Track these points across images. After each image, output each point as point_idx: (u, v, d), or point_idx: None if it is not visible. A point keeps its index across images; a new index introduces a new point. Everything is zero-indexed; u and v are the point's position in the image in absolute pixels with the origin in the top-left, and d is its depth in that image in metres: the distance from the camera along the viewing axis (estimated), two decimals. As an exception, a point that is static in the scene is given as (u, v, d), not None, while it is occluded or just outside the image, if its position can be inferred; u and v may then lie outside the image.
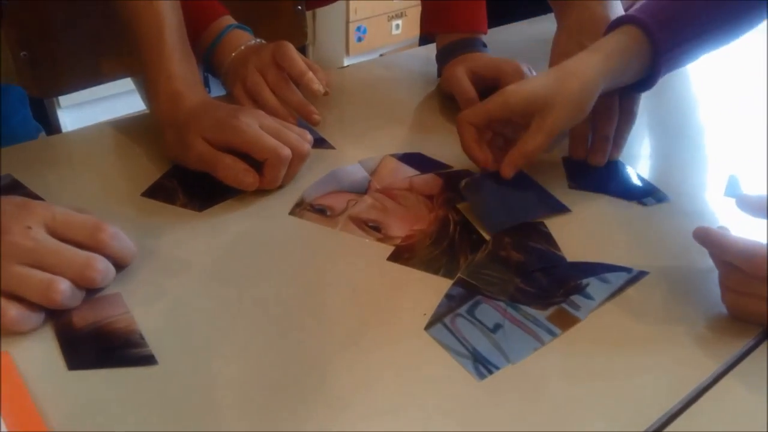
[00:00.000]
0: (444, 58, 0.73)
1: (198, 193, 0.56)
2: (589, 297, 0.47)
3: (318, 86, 0.63)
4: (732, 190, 0.59)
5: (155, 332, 0.42)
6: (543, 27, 0.67)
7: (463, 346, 0.42)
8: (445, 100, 0.72)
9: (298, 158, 0.56)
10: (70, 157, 0.62)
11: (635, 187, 0.60)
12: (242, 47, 0.67)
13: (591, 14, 0.64)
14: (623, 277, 0.49)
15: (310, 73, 0.63)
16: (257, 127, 0.54)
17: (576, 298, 0.46)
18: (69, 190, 0.56)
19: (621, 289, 0.48)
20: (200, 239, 0.51)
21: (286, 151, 0.54)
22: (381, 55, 2.58)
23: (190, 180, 0.57)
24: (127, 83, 0.98)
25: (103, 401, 0.38)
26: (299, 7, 0.90)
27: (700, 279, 0.46)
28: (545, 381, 0.40)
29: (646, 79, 0.58)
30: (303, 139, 0.57)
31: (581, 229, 0.54)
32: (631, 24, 0.56)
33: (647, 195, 0.58)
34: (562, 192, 0.58)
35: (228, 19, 0.69)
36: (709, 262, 0.45)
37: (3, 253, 0.41)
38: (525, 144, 0.54)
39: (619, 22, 0.57)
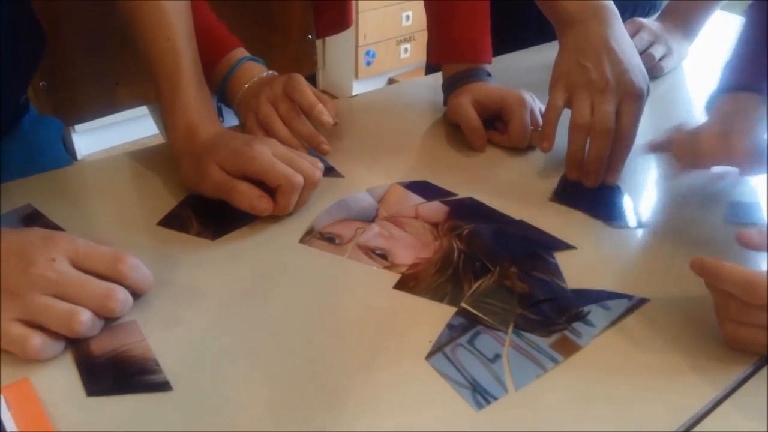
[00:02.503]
0: (449, 87, 0.75)
1: (211, 222, 0.58)
2: (590, 324, 0.48)
3: (327, 118, 0.65)
4: (731, 216, 0.60)
5: (170, 359, 0.44)
6: (550, 54, 0.68)
7: (463, 376, 0.43)
8: (451, 129, 0.74)
9: (310, 185, 0.58)
10: (87, 186, 0.64)
11: (617, 211, 0.61)
12: (255, 79, 0.69)
13: (589, 34, 0.65)
14: (624, 304, 0.50)
15: (320, 105, 0.65)
16: (271, 154, 0.56)
17: (578, 326, 0.48)
18: (87, 220, 0.58)
19: (622, 317, 0.49)
20: (214, 267, 0.53)
21: (299, 178, 0.56)
22: (389, 79, 2.62)
23: (203, 209, 0.59)
24: (140, 108, 1.00)
25: (121, 426, 0.40)
26: (309, 37, 0.93)
27: (699, 306, 0.47)
28: (547, 407, 0.41)
29: None
30: (314, 166, 0.59)
31: (587, 259, 0.55)
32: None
33: (623, 219, 0.60)
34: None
35: (241, 52, 0.71)
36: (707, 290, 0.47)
37: (28, 283, 0.43)
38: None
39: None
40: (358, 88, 2.45)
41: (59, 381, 0.42)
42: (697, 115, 0.81)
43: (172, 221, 0.58)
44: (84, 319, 0.43)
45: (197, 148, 0.58)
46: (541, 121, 0.69)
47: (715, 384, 0.43)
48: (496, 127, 0.72)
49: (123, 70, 0.89)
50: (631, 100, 0.63)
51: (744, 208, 0.61)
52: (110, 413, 0.40)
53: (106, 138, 2.21)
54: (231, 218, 0.58)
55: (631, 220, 0.60)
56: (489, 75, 0.75)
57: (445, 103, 0.76)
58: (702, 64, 0.91)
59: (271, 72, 0.71)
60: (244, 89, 0.69)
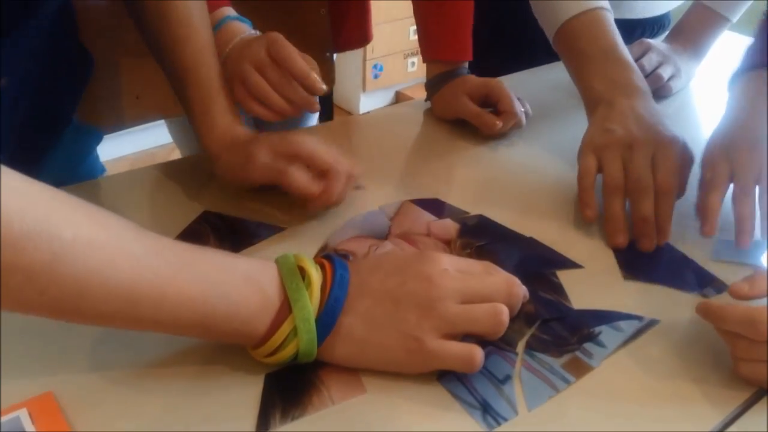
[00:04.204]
0: (435, 85, 0.81)
1: (228, 238, 0.59)
2: (601, 345, 0.48)
3: (321, 86, 0.63)
4: (719, 253, 0.58)
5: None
6: (559, 74, 0.70)
7: (474, 397, 0.44)
8: (461, 146, 0.75)
9: (351, 178, 0.60)
10: (102, 203, 0.64)
11: (694, 276, 0.55)
12: (236, 39, 0.66)
13: (615, 106, 0.63)
14: (635, 325, 0.50)
15: (313, 74, 0.62)
16: (316, 140, 0.58)
17: (589, 346, 0.48)
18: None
19: (633, 337, 0.49)
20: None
21: (345, 164, 0.58)
22: (396, 93, 2.64)
23: (220, 225, 0.60)
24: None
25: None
26: (328, 54, 0.94)
27: (707, 327, 0.48)
28: (557, 426, 0.42)
29: None
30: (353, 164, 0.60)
31: (590, 278, 0.56)
32: None
33: (706, 285, 0.54)
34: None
35: (226, 11, 0.69)
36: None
37: (439, 297, 0.44)
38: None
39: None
40: (366, 100, 2.47)
41: (82, 394, 0.43)
42: (706, 134, 0.82)
43: (188, 237, 0.59)
44: (506, 312, 0.44)
45: (239, 141, 0.60)
46: (519, 104, 0.75)
47: (722, 407, 0.43)
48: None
49: (144, 84, 0.91)
50: (665, 148, 0.58)
51: (732, 246, 0.56)
52: (132, 425, 0.41)
53: (116, 146, 2.23)
54: (247, 234, 0.60)
55: (710, 284, 0.54)
56: (468, 71, 0.82)
57: (429, 98, 0.82)
58: (710, 84, 0.92)
59: (255, 32, 0.68)
60: (226, 52, 0.66)
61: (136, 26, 0.66)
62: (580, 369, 0.46)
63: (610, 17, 0.71)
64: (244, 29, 0.68)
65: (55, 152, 0.69)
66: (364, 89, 2.47)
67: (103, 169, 0.79)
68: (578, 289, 0.54)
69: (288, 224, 0.61)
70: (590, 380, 0.46)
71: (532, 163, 0.72)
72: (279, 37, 0.63)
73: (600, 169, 0.61)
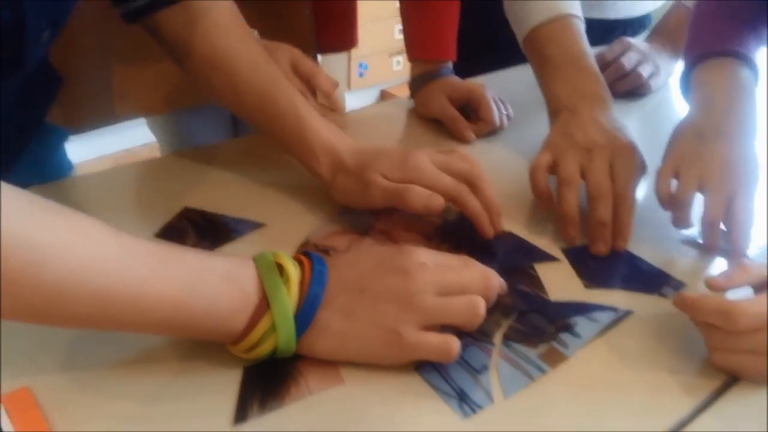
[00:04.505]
0: (418, 84, 0.82)
1: (208, 233, 0.59)
2: (577, 335, 0.49)
3: (342, 106, 0.70)
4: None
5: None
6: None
7: (450, 385, 0.44)
8: (442, 143, 0.76)
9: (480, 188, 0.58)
10: (83, 199, 0.65)
11: (650, 277, 0.56)
12: None
13: (577, 114, 0.63)
14: (609, 316, 0.51)
15: (336, 94, 0.69)
16: (432, 165, 0.57)
17: (565, 336, 0.49)
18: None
19: (608, 328, 0.50)
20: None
21: (464, 189, 0.57)
22: (382, 91, 2.64)
23: (200, 221, 0.61)
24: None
25: (119, 434, 0.40)
26: (311, 55, 0.94)
27: (679, 317, 0.48)
28: (533, 417, 0.43)
29: None
30: (472, 164, 0.58)
31: (567, 271, 0.56)
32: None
33: (663, 284, 0.55)
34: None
35: None
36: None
37: (417, 290, 0.44)
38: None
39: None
40: (351, 99, 2.45)
41: (58, 389, 0.43)
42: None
43: (168, 234, 0.59)
44: (482, 304, 0.44)
45: (350, 166, 0.59)
46: (501, 106, 0.78)
47: (695, 395, 0.44)
48: (469, 118, 0.78)
49: (124, 83, 0.90)
50: (623, 156, 0.59)
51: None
52: (110, 420, 0.41)
53: (99, 145, 2.21)
54: (227, 230, 0.60)
55: (668, 284, 0.55)
56: (451, 71, 0.82)
57: (412, 95, 0.83)
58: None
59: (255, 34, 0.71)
60: None
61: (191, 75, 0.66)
62: (555, 359, 0.47)
63: (580, 25, 0.71)
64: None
65: (22, 154, 0.69)
66: (349, 87, 2.47)
67: (70, 166, 0.79)
68: (555, 281, 0.55)
69: (269, 220, 0.62)
70: (565, 369, 0.46)
71: (511, 162, 0.73)
72: (306, 57, 0.69)
73: (553, 170, 0.61)
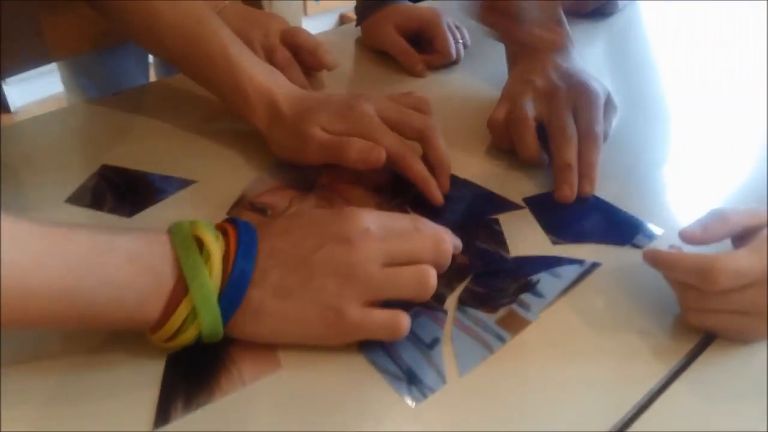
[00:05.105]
0: (364, 11, 0.75)
1: (128, 195, 0.52)
2: (539, 295, 0.45)
3: (330, 57, 0.66)
4: None
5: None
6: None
7: (398, 366, 0.39)
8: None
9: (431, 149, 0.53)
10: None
11: (622, 226, 0.51)
12: (220, 6, 0.66)
13: (538, 59, 0.59)
14: (575, 270, 0.47)
15: (324, 45, 0.66)
16: (378, 119, 0.52)
17: (526, 297, 0.44)
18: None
19: (573, 284, 0.46)
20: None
21: (408, 150, 0.51)
22: (341, 15, 2.50)
23: (119, 181, 0.54)
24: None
25: None
26: None
27: (654, 272, 0.44)
28: (494, 392, 0.39)
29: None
30: (427, 114, 0.54)
31: (531, 221, 0.52)
32: None
33: (636, 233, 0.50)
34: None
35: None
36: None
37: (361, 262, 0.39)
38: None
39: None
40: (308, 24, 2.33)
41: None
42: (653, 50, 0.78)
43: (81, 197, 0.52)
44: (433, 275, 0.39)
45: (287, 116, 0.53)
46: (457, 34, 0.73)
47: (667, 359, 0.40)
48: (423, 48, 0.72)
49: (49, 18, 0.81)
50: (585, 96, 0.54)
51: None
52: (11, 426, 0.36)
53: (41, 88, 2.07)
54: (151, 190, 0.53)
55: (642, 232, 0.50)
56: None
57: (359, 24, 0.76)
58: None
59: None
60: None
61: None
62: (516, 324, 0.43)
63: None
64: None
65: None
66: (305, 12, 2.33)
67: None
68: (518, 234, 0.50)
69: (199, 176, 0.55)
70: (527, 336, 0.42)
71: (469, 95, 0.67)
72: (300, 30, 0.67)
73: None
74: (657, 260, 0.41)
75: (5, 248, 0.33)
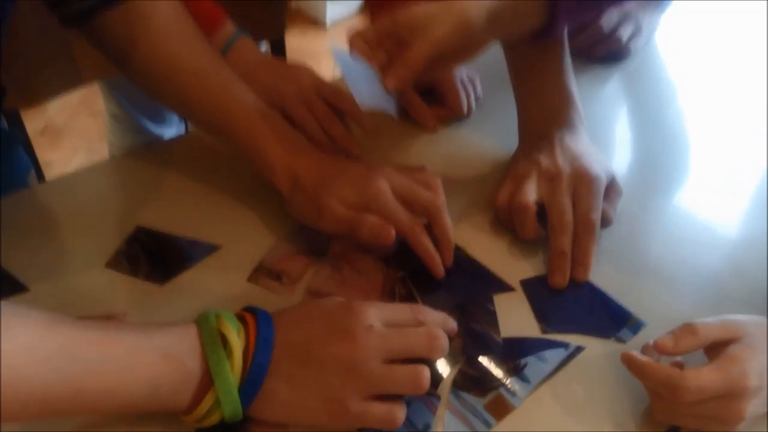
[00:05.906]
0: None
1: (161, 261, 0.58)
2: (526, 380, 0.50)
3: (366, 123, 0.68)
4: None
5: None
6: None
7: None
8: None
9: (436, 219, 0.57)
10: (33, 217, 0.62)
11: (610, 318, 0.54)
12: (249, 63, 0.69)
13: (546, 137, 0.62)
14: (560, 354, 0.52)
15: (361, 110, 0.67)
16: (392, 195, 0.55)
17: (513, 382, 0.50)
18: (28, 258, 0.57)
19: (558, 368, 0.51)
20: (163, 314, 0.54)
21: (419, 228, 0.55)
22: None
23: (152, 246, 0.59)
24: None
25: None
26: None
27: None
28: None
29: (548, 25, 0.56)
30: (435, 190, 0.57)
31: (525, 305, 0.56)
32: None
33: (622, 326, 0.54)
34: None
35: (230, 26, 0.70)
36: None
37: (362, 358, 0.44)
38: (408, 53, 0.54)
39: None
40: (331, 9, 2.34)
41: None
42: (666, 93, 0.80)
43: (120, 263, 0.58)
44: (427, 374, 0.44)
45: (307, 188, 0.57)
46: (469, 88, 0.74)
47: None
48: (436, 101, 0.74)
49: (76, 44, 0.85)
50: (586, 185, 0.57)
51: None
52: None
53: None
54: (181, 256, 0.59)
55: (626, 325, 0.54)
56: None
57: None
58: (674, 37, 0.89)
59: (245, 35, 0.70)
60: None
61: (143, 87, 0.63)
62: (502, 409, 0.48)
63: (564, 39, 0.66)
64: (252, 48, 0.71)
65: None
66: (329, -5, 2.33)
67: (28, 167, 0.76)
68: (510, 317, 0.54)
69: (223, 241, 0.60)
70: (511, 422, 0.47)
71: (478, 154, 0.70)
72: (321, 77, 0.68)
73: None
74: (632, 366, 0.46)
75: (60, 362, 0.39)
